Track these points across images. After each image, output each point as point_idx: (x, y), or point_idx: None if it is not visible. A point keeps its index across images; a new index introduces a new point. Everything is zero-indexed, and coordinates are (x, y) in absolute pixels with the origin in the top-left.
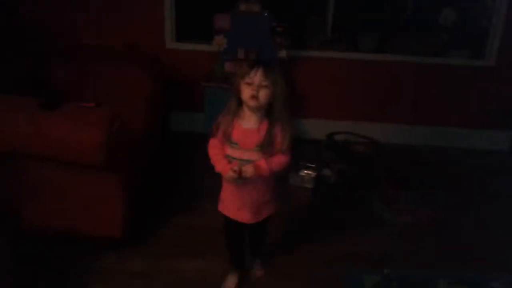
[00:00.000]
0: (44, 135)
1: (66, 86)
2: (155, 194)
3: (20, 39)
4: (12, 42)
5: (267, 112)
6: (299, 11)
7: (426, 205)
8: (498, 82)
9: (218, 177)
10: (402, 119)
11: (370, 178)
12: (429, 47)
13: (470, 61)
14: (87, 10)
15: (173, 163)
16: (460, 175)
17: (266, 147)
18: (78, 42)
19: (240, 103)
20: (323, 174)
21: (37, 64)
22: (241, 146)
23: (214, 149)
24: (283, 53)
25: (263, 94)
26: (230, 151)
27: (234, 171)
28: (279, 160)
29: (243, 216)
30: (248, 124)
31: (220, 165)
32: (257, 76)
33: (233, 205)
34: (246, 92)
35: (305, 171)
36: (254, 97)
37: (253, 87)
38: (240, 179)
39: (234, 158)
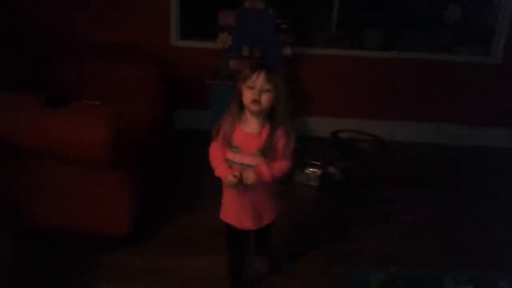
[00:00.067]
0: (48, 133)
1: (70, 85)
2: (158, 193)
3: (21, 38)
4: (13, 42)
5: (269, 116)
6: (304, 8)
7: (429, 204)
8: (504, 79)
9: (218, 180)
10: (407, 117)
11: (374, 176)
12: (435, 44)
13: (476, 59)
14: (90, 9)
15: (176, 161)
16: (465, 174)
17: (267, 152)
18: (82, 41)
19: (241, 106)
20: (328, 172)
21: (40, 63)
22: (242, 151)
23: (215, 152)
24: (287, 51)
25: (265, 99)
26: (230, 155)
27: (235, 176)
28: (281, 166)
29: (244, 222)
30: (250, 128)
31: (220, 169)
32: (259, 80)
33: (234, 210)
34: (247, 96)
35: (310, 169)
36: (256, 101)
37: (255, 91)
38: (241, 184)
39: (235, 163)
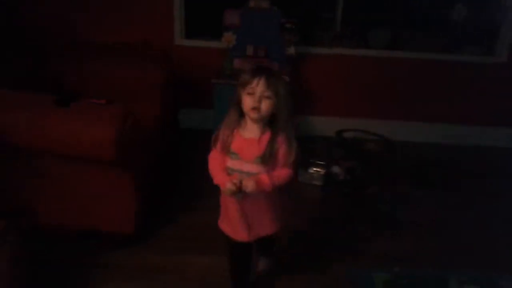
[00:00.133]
0: (57, 131)
1: (75, 84)
2: (158, 192)
3: (22, 37)
4: (13, 42)
5: (270, 122)
6: (308, 7)
7: (429, 204)
8: (510, 78)
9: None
10: (413, 116)
11: (379, 176)
12: (440, 43)
13: (482, 58)
14: (95, 8)
15: (178, 161)
16: (469, 173)
17: (267, 158)
18: (86, 40)
19: (241, 112)
20: (332, 171)
21: (42, 63)
22: (241, 157)
23: (214, 161)
24: (292, 50)
25: (265, 106)
26: (230, 163)
27: (234, 184)
28: (282, 174)
29: (239, 233)
30: (249, 134)
31: (219, 177)
32: (259, 86)
33: (230, 220)
34: (247, 103)
35: (314, 168)
36: (256, 108)
37: (255, 97)
38: (240, 193)
39: (234, 170)
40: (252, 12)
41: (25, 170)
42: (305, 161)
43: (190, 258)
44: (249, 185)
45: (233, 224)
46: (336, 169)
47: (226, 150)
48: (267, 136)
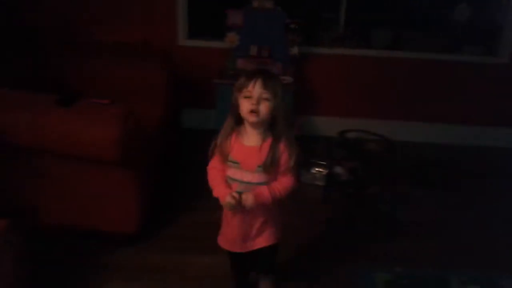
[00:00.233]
0: (59, 131)
1: (77, 84)
2: (160, 191)
3: (24, 36)
4: (15, 41)
5: (271, 127)
6: (312, 7)
7: (430, 204)
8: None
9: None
10: (414, 117)
11: (380, 176)
12: (442, 43)
13: (483, 58)
14: (97, 8)
15: (179, 160)
16: (470, 173)
17: (268, 167)
18: (91, 40)
19: (239, 119)
20: (335, 171)
21: (45, 62)
22: (242, 167)
23: (213, 170)
24: (295, 50)
25: (263, 108)
26: (230, 172)
27: (233, 197)
28: (284, 185)
29: (232, 245)
30: (250, 142)
31: (218, 189)
32: (256, 88)
33: (227, 234)
34: (245, 107)
35: (316, 169)
36: (254, 111)
37: (252, 100)
38: (239, 206)
39: (235, 180)
40: (255, 12)
41: (26, 170)
42: (307, 161)
43: (191, 258)
44: (248, 200)
45: (230, 237)
46: (338, 169)
47: (225, 159)
48: (268, 142)
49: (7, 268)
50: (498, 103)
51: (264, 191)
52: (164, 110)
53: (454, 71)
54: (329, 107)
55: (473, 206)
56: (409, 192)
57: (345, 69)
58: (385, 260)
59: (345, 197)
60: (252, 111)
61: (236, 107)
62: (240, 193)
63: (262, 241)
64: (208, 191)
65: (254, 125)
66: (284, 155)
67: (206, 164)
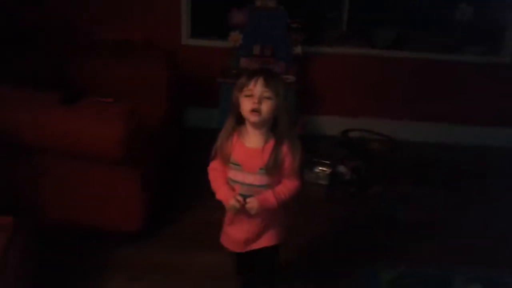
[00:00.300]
0: (61, 129)
1: (80, 82)
2: (163, 189)
3: (27, 35)
4: (17, 40)
5: (273, 128)
6: (314, 7)
7: (432, 203)
8: None
9: None
10: (417, 116)
11: (384, 175)
12: (444, 43)
13: (486, 58)
14: (100, 7)
15: (182, 159)
16: (472, 173)
17: (271, 169)
18: (94, 38)
19: (240, 119)
20: (338, 171)
21: (48, 61)
22: (243, 168)
23: (214, 172)
24: (298, 49)
25: (265, 107)
26: (231, 174)
27: (237, 201)
28: (288, 188)
29: (235, 245)
30: (252, 143)
31: (221, 192)
32: (257, 87)
33: (228, 231)
34: (246, 106)
35: (320, 168)
36: (256, 110)
37: (254, 99)
38: (243, 210)
39: (236, 182)
40: (258, 12)
41: (28, 169)
42: (310, 160)
43: (193, 256)
44: (253, 206)
45: (232, 237)
46: (342, 168)
47: (226, 160)
48: (271, 144)
49: (10, 266)
50: (500, 103)
51: (269, 196)
52: (166, 109)
53: (456, 71)
54: (332, 107)
55: (474, 206)
56: (411, 192)
57: (348, 69)
58: (387, 259)
59: (348, 196)
60: (253, 110)
61: (237, 107)
62: (244, 197)
63: (264, 241)
64: (209, 191)
65: (255, 125)
66: (288, 158)
67: (208, 163)
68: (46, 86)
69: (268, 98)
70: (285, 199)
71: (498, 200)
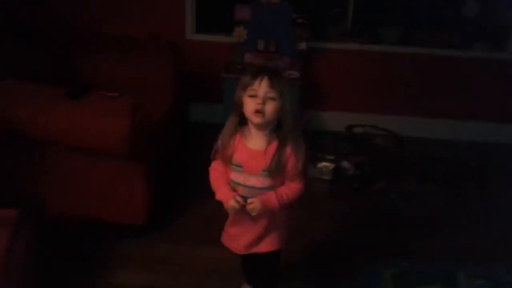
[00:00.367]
0: (68, 124)
1: (84, 78)
2: (171, 183)
3: (31, 30)
4: (21, 35)
5: (277, 129)
6: (320, 2)
7: (437, 199)
8: None
9: None
10: (421, 112)
11: (388, 171)
12: (450, 39)
13: (491, 54)
14: (105, 1)
15: (188, 153)
16: (477, 170)
17: (274, 171)
18: (99, 33)
19: (243, 119)
20: (342, 166)
21: (53, 56)
22: (245, 170)
23: (215, 173)
24: (303, 45)
25: (269, 108)
26: (233, 175)
27: (237, 201)
28: (292, 190)
29: (234, 245)
30: (255, 144)
31: (220, 192)
32: (262, 87)
33: (230, 231)
34: (249, 106)
35: (323, 163)
36: (259, 111)
37: (258, 99)
38: (243, 211)
39: (238, 184)
40: (263, 7)
41: (35, 163)
42: (314, 155)
43: (197, 251)
44: (255, 207)
45: (233, 238)
46: (345, 164)
47: (227, 161)
48: (274, 146)
49: (15, 258)
50: (505, 100)
51: (272, 197)
52: (170, 104)
53: (461, 67)
54: (337, 102)
55: (477, 203)
56: (416, 188)
57: (353, 64)
58: (391, 255)
59: (351, 192)
60: (257, 111)
61: (239, 106)
62: (244, 198)
63: (265, 246)
64: (211, 190)
65: (259, 126)
66: (291, 160)
67: (210, 160)
68: (49, 83)
69: (273, 98)
70: (287, 202)
71: (502, 197)
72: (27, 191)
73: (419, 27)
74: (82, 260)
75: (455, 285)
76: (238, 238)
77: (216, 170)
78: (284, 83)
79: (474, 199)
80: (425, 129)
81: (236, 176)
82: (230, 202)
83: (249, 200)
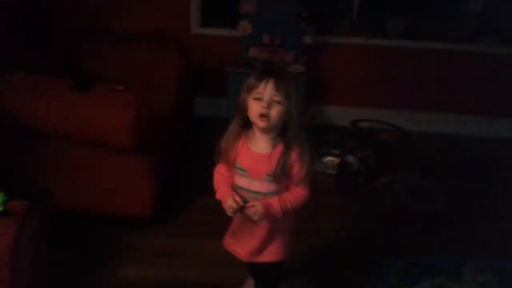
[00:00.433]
0: (74, 116)
1: (94, 70)
2: (176, 177)
3: (36, 23)
4: (29, 26)
5: (282, 133)
6: None
7: (443, 194)
8: None
9: None
10: (428, 107)
11: (393, 166)
12: (457, 34)
13: (499, 48)
14: None
15: (194, 147)
16: (484, 164)
17: (278, 176)
18: (104, 27)
19: (247, 122)
20: (347, 160)
21: (60, 49)
22: (250, 174)
23: (218, 175)
24: (308, 39)
25: (275, 112)
26: (237, 180)
27: (235, 201)
28: (295, 196)
29: (238, 251)
30: (259, 148)
31: (220, 191)
32: (267, 90)
33: (232, 236)
34: (254, 110)
35: (329, 158)
36: (264, 115)
37: (263, 103)
38: (241, 212)
39: (242, 188)
40: (268, 1)
41: (43, 155)
42: (320, 150)
43: (202, 244)
44: (257, 213)
45: (236, 240)
46: (350, 158)
47: (231, 165)
48: (279, 149)
49: (23, 250)
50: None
51: (274, 202)
52: (177, 98)
53: (468, 61)
54: (342, 97)
55: (486, 197)
56: (420, 182)
57: (359, 59)
58: (397, 249)
59: (356, 187)
60: (262, 115)
61: (244, 109)
62: (245, 201)
63: (267, 256)
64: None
65: (264, 130)
66: (297, 165)
67: (216, 151)
68: (56, 75)
69: (278, 102)
70: (291, 208)
71: (508, 192)
72: (33, 183)
73: (425, 20)
74: (87, 252)
75: (460, 279)
76: (239, 246)
77: (220, 173)
78: (291, 86)
79: (480, 193)
80: (431, 123)
81: (240, 181)
82: (228, 201)
83: (250, 203)
